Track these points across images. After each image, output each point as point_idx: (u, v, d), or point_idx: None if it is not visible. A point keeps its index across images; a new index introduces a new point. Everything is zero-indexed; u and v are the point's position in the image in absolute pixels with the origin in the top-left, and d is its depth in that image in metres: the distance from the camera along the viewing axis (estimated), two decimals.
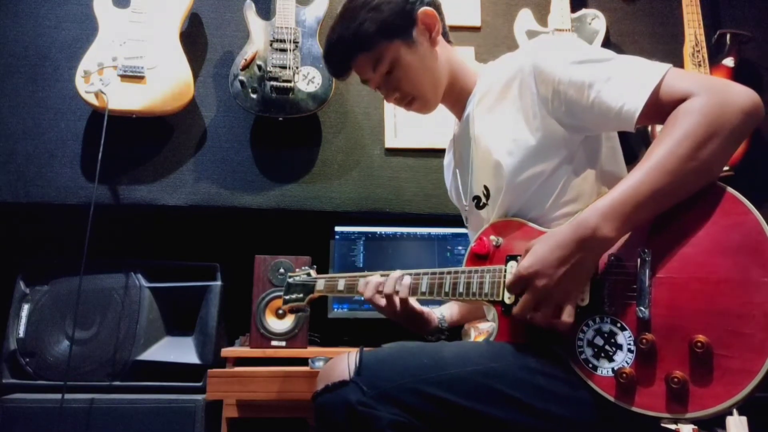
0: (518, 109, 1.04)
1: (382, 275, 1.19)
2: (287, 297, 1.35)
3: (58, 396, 1.63)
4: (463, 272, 1.05)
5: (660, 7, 2.29)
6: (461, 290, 1.04)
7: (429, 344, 1.04)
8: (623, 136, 1.09)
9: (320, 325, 2.00)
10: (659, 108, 0.89)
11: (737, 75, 2.10)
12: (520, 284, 0.90)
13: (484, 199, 1.14)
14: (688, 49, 2.13)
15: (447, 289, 1.06)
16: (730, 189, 0.84)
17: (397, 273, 1.15)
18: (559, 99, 0.98)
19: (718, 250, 0.81)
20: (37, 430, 1.62)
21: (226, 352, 1.75)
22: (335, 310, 2.02)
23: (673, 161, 0.82)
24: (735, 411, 1.77)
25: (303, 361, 1.62)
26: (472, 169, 1.17)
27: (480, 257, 1.06)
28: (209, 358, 1.78)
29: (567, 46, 1.01)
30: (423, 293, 1.10)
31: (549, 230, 0.97)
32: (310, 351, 1.76)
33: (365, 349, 0.95)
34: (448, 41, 1.21)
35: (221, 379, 1.53)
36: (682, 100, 0.86)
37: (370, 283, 1.18)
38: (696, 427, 1.80)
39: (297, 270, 1.39)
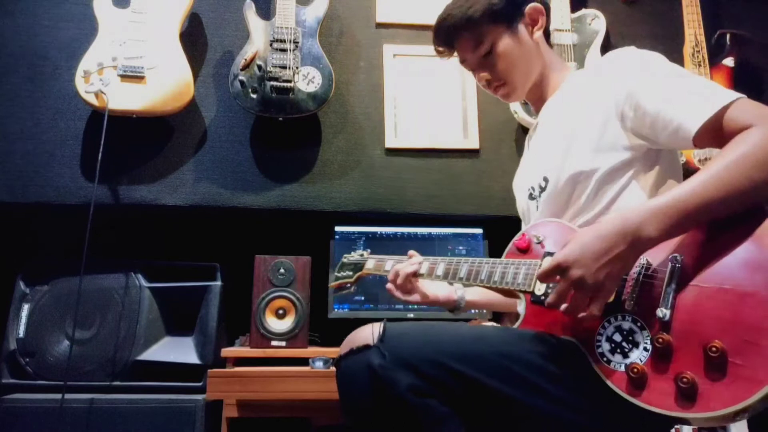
0: (590, 110, 1.08)
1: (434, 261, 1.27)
2: (338, 274, 1.46)
3: (58, 396, 1.63)
4: (500, 263, 1.10)
5: (660, 7, 2.30)
6: (496, 279, 1.09)
7: (450, 323, 1.09)
8: None
9: (320, 325, 2.00)
10: (719, 132, 0.90)
11: (737, 75, 2.11)
12: (557, 271, 0.90)
13: (539, 190, 1.18)
14: (688, 49, 2.13)
15: (483, 277, 1.11)
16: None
17: (408, 269, 1.28)
18: (629, 104, 1.01)
19: (750, 265, 0.82)
20: (37, 430, 1.62)
21: (226, 352, 1.75)
22: (335, 310, 2.02)
23: (729, 177, 0.84)
24: None
25: (303, 361, 1.62)
26: (531, 158, 1.26)
27: (520, 251, 1.10)
28: (209, 358, 1.78)
29: (647, 57, 1.06)
30: (461, 279, 1.16)
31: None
32: (310, 351, 1.76)
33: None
34: (549, 42, 1.28)
35: (221, 379, 1.53)
36: (744, 129, 0.88)
37: (399, 275, 1.30)
38: (696, 427, 1.80)
39: (353, 253, 1.49)
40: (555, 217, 1.12)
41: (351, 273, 1.42)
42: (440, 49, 1.29)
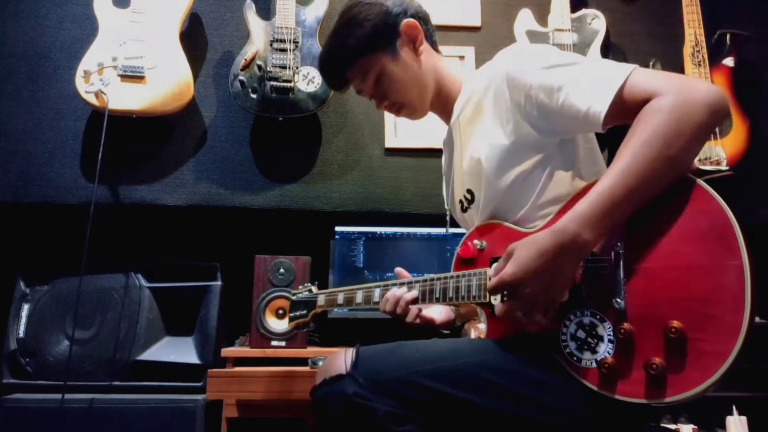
0: (493, 115, 1.07)
1: (385, 286, 1.20)
2: (292, 314, 1.39)
3: (58, 396, 1.63)
4: (451, 277, 1.08)
5: (660, 7, 2.29)
6: (451, 295, 1.07)
7: (423, 340, 1.07)
8: (604, 135, 1.09)
9: (320, 325, 2.00)
10: (625, 108, 0.90)
11: (737, 75, 2.10)
12: (503, 289, 0.91)
13: (466, 203, 1.18)
14: (688, 49, 2.13)
15: (438, 295, 1.09)
16: (694, 178, 0.86)
17: (394, 293, 1.15)
18: (530, 103, 1.00)
19: (686, 238, 0.83)
20: (37, 430, 1.62)
21: (226, 352, 1.75)
22: (335, 310, 2.02)
23: (644, 162, 0.84)
24: (735, 411, 1.77)
25: (303, 361, 1.62)
26: (455, 173, 1.23)
27: (466, 261, 1.09)
28: (209, 358, 1.78)
29: (537, 53, 1.04)
30: (416, 300, 1.13)
31: (530, 232, 1.00)
32: (310, 351, 1.76)
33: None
34: (436, 50, 1.25)
35: (221, 379, 1.53)
36: (647, 100, 0.88)
37: (388, 302, 1.17)
38: (696, 426, 1.80)
39: (299, 287, 1.43)
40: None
41: (305, 311, 1.36)
42: (334, 85, 1.29)
